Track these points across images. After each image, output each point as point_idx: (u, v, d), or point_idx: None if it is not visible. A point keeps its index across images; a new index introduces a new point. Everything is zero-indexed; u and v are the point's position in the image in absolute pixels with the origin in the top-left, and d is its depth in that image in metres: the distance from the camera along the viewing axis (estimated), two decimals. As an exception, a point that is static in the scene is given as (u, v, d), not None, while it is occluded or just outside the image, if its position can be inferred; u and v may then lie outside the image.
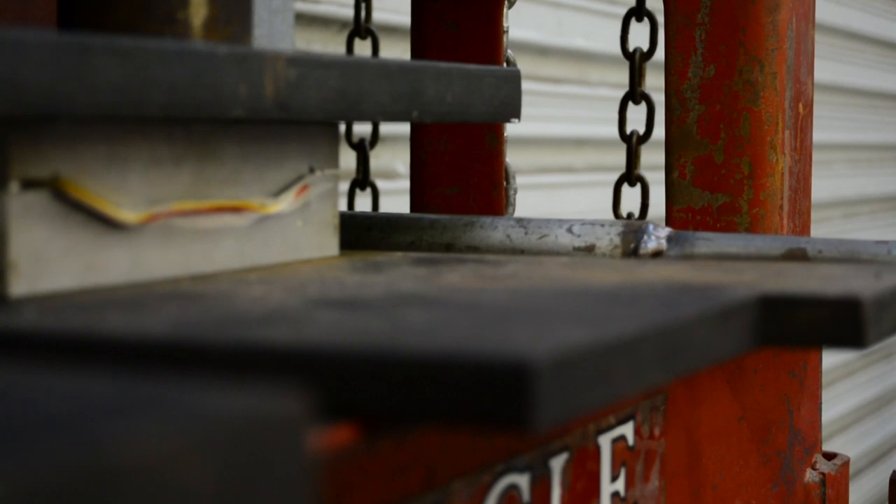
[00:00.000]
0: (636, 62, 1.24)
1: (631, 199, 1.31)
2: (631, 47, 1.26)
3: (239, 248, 0.84)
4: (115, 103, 0.69)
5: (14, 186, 0.71)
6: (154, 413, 0.41)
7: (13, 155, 0.71)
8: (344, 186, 1.56)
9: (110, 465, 0.37)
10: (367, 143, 1.49)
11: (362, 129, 1.55)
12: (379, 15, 1.82)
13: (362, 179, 1.49)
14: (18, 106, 0.65)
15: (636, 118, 1.29)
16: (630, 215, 1.29)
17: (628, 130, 1.27)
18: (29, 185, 0.72)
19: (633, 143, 1.26)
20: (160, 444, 0.38)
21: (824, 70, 3.44)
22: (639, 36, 1.30)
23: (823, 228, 3.71)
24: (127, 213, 0.77)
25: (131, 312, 0.68)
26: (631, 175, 1.26)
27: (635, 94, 1.25)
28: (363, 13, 1.48)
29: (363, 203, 1.55)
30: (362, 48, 1.52)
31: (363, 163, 1.49)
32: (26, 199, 0.72)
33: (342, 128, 1.53)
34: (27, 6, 1.02)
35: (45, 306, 0.70)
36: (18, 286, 0.72)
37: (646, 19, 1.26)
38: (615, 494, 0.77)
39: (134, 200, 0.78)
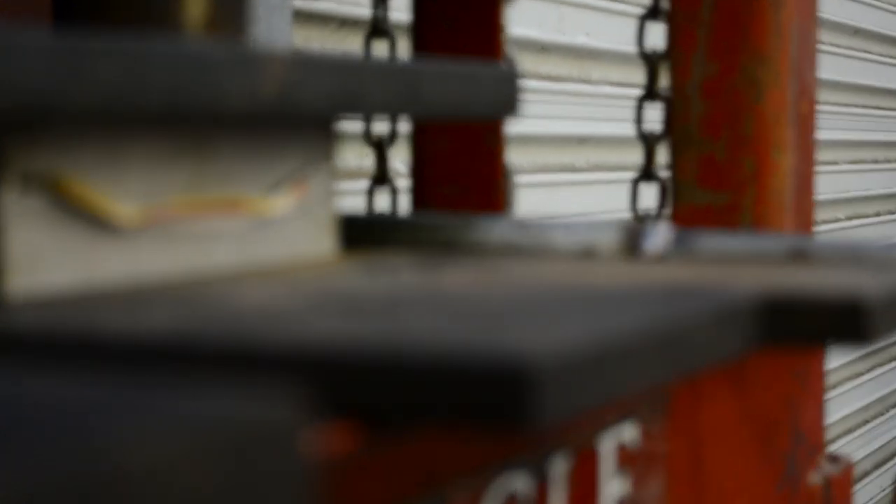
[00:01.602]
0: (655, 62, 1.24)
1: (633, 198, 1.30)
2: (638, 46, 1.26)
3: (237, 249, 0.84)
4: (113, 103, 0.69)
5: (13, 186, 0.71)
6: (150, 418, 0.41)
7: (12, 155, 0.71)
8: (362, 185, 1.55)
9: (106, 469, 0.37)
10: (384, 142, 1.48)
11: (377, 127, 1.54)
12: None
13: (381, 177, 1.48)
14: (16, 106, 0.65)
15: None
16: (646, 214, 1.28)
17: (646, 129, 1.26)
18: (28, 185, 0.72)
19: (651, 142, 1.25)
20: (157, 449, 0.38)
21: (828, 67, 3.43)
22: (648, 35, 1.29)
23: (827, 228, 3.70)
24: (126, 215, 0.76)
25: (130, 313, 0.68)
26: (650, 173, 1.26)
27: (653, 93, 1.25)
28: (381, 13, 1.47)
29: (382, 201, 1.54)
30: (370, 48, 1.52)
31: (381, 161, 1.48)
32: (25, 199, 0.72)
33: (361, 126, 1.53)
34: (22, 3, 1.01)
35: (42, 306, 0.69)
36: (16, 286, 0.71)
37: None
38: (616, 496, 0.77)
39: (133, 200, 0.77)
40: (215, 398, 0.43)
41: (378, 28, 1.42)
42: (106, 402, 0.43)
